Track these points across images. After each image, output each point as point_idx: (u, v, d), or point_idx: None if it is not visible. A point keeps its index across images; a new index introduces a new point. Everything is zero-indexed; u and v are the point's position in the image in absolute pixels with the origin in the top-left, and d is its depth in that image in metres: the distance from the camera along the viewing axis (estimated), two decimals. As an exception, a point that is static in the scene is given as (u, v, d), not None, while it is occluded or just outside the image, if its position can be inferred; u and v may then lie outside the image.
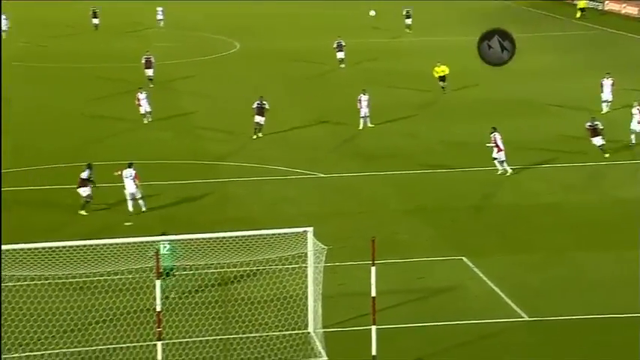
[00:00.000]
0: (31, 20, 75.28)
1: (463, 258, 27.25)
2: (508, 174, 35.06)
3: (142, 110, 43.16)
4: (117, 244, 22.23)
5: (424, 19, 74.85)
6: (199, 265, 23.26)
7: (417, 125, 43.73)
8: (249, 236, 22.64)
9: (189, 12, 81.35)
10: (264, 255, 22.90)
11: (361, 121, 42.67)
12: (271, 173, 36.22)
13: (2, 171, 35.09)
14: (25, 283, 22.65)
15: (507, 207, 32.32)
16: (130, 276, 23.08)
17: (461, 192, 33.85)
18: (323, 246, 21.87)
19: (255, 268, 24.27)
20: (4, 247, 20.85)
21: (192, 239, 22.34)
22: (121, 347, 21.38)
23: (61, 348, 21.29)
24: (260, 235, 22.57)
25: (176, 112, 46.29)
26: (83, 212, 30.73)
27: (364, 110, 42.54)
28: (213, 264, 23.30)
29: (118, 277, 23.12)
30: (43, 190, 33.61)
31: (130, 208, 30.78)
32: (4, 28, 66.03)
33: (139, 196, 30.88)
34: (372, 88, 45.66)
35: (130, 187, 30.71)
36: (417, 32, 71.06)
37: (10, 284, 22.40)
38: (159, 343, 20.25)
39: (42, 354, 21.03)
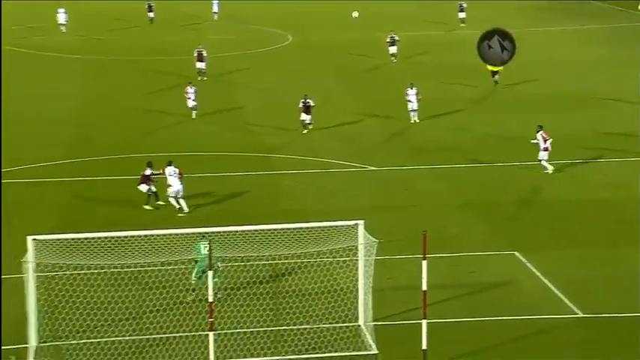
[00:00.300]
0: (88, 14, 76.14)
1: (515, 253, 26.90)
2: (550, 171, 34.39)
3: (189, 104, 43.09)
4: (169, 235, 22.44)
5: (479, 13, 74.04)
6: (251, 256, 23.25)
7: (468, 119, 43.29)
8: (301, 229, 22.65)
9: (244, 6, 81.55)
10: (315, 247, 22.78)
11: (411, 114, 42.37)
12: (323, 166, 36.12)
13: (54, 163, 35.70)
14: (83, 271, 23.00)
15: (559, 201, 31.82)
16: (183, 266, 23.23)
17: (512, 186, 33.44)
18: (374, 239, 21.73)
19: (306, 260, 24.15)
20: (63, 236, 21.30)
21: (243, 231, 22.39)
22: (174, 337, 21.53)
23: (116, 336, 21.55)
24: (311, 227, 22.59)
25: (229, 105, 46.40)
26: (148, 207, 30.65)
27: (412, 104, 42.14)
28: (264, 256, 23.31)
29: (171, 267, 23.28)
30: (97, 182, 33.90)
31: (185, 207, 30.21)
32: (62, 22, 66.88)
33: (181, 194, 30.09)
34: (423, 81, 45.36)
35: (175, 184, 30.12)
36: (471, 26, 70.35)
37: (68, 272, 22.74)
38: (211, 334, 20.30)
39: (98, 341, 21.28)
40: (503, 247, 27.35)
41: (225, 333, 21.42)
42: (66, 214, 29.97)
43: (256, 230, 22.46)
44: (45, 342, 21.09)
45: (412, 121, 42.28)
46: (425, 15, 76.18)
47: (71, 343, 21.14)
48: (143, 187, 30.78)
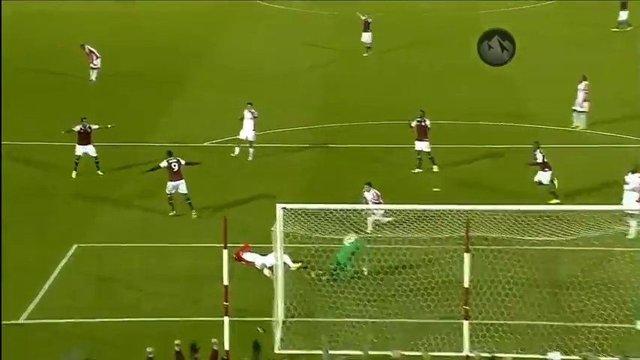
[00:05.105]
0: None
1: None
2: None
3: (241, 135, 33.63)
4: (429, 210, 22.51)
5: None
6: (514, 239, 22.63)
7: None
8: (572, 212, 22.09)
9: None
10: (591, 233, 22.05)
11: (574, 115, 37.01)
12: (598, 141, 34.91)
13: (308, 127, 36.46)
14: (331, 245, 23.28)
15: None
16: (434, 246, 23.15)
17: None
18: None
19: (581, 247, 23.14)
20: (312, 206, 22.02)
21: (503, 210, 22.07)
22: (421, 322, 21.49)
23: (362, 316, 21.76)
24: (587, 210, 21.95)
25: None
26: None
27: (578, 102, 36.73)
28: (535, 240, 22.68)
29: (425, 246, 23.27)
30: (348, 149, 34.24)
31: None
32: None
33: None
34: None
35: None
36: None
37: (317, 245, 23.04)
38: (465, 322, 20.11)
39: (343, 321, 21.63)
40: None
41: (482, 323, 21.09)
42: (314, 182, 30.58)
43: (530, 211, 22.19)
44: (293, 316, 21.75)
45: (573, 126, 36.53)
46: None
47: (318, 320, 21.64)
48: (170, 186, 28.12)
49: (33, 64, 46.10)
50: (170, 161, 27.98)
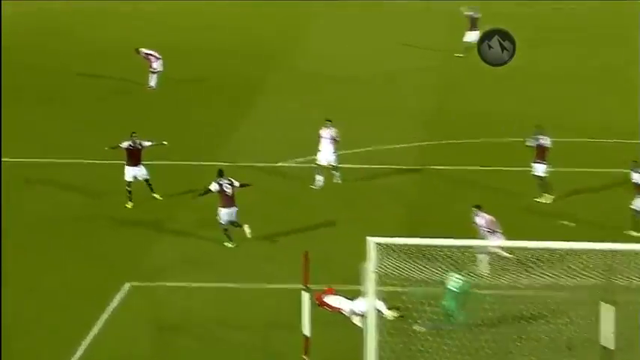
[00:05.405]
0: None
1: None
2: None
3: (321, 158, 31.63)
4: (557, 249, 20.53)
5: None
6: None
7: None
8: None
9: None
10: None
11: None
12: None
13: (403, 145, 35.48)
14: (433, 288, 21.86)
15: None
16: (572, 294, 21.28)
17: None
18: None
19: None
20: (415, 241, 20.80)
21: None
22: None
23: None
24: None
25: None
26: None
27: None
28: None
29: (552, 293, 21.48)
30: (455, 171, 33.34)
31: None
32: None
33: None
34: None
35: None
36: None
37: (418, 288, 21.34)
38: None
39: None
40: None
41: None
42: (413, 211, 29.97)
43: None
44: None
45: None
46: None
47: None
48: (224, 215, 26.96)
49: (84, 68, 45.65)
50: (221, 183, 26.64)
